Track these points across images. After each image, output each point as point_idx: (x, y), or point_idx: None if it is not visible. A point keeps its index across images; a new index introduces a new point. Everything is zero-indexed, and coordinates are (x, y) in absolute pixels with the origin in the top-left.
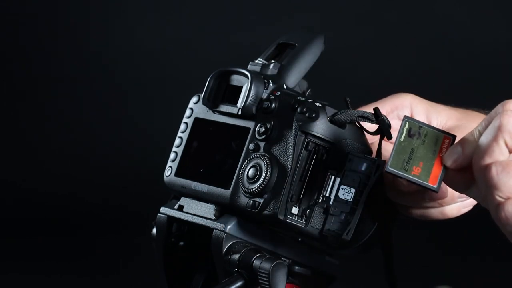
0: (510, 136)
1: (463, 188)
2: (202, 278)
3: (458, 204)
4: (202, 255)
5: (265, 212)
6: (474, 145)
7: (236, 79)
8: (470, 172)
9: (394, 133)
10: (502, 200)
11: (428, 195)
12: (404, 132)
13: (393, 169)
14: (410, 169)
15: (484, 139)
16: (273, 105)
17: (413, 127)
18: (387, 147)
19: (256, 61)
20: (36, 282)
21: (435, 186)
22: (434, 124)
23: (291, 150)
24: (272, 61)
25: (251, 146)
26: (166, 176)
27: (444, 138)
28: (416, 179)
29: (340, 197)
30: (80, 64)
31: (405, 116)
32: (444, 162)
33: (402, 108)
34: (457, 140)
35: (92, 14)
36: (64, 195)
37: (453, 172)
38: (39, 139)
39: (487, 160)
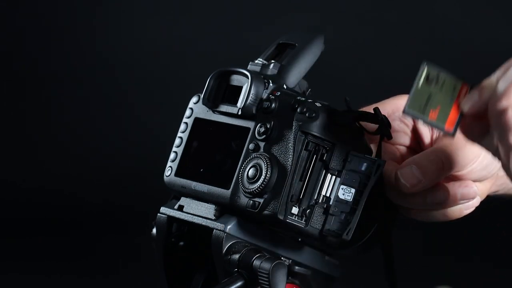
0: None
1: (478, 136)
2: (202, 278)
3: (460, 206)
4: (202, 255)
5: (265, 212)
6: (491, 91)
7: (236, 79)
8: (486, 119)
9: (395, 134)
10: None
11: (430, 197)
12: (423, 78)
13: (411, 111)
14: (427, 113)
15: (502, 84)
16: (273, 105)
17: (432, 73)
18: (388, 149)
19: (256, 61)
20: (36, 282)
21: (452, 131)
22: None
23: (291, 150)
24: (272, 61)
25: (251, 146)
26: (166, 176)
27: (462, 85)
28: (433, 122)
29: (340, 197)
30: (81, 64)
31: (425, 60)
32: (461, 107)
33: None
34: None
35: (94, 14)
36: (64, 195)
37: (470, 118)
38: (40, 139)
39: (504, 103)
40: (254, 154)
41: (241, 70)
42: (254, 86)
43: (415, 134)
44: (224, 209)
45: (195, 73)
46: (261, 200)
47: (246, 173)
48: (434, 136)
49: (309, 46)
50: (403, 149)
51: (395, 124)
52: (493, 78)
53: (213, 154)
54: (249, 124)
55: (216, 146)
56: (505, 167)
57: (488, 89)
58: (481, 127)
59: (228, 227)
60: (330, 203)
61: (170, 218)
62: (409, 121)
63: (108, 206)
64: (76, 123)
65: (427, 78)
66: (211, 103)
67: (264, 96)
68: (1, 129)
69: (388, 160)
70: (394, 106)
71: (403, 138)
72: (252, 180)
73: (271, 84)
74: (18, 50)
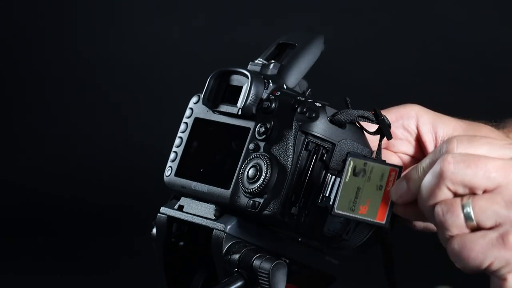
0: (451, 182)
1: (416, 219)
2: (202, 278)
3: None
4: (202, 255)
5: (265, 212)
6: (418, 183)
7: (236, 79)
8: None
9: (398, 142)
10: (449, 237)
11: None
12: (349, 172)
13: (339, 212)
14: (357, 209)
15: (427, 182)
16: (273, 105)
17: (358, 165)
18: (390, 157)
19: (256, 61)
20: (36, 282)
21: (383, 222)
22: (440, 135)
23: (291, 150)
24: (272, 61)
25: (251, 146)
26: (166, 176)
27: (390, 170)
28: (364, 217)
29: None
30: (80, 64)
31: (348, 153)
32: (390, 196)
33: (407, 118)
34: (404, 172)
35: (94, 14)
36: (64, 195)
37: (401, 206)
38: (40, 140)
39: (432, 201)
40: (254, 154)
41: (241, 70)
42: (254, 86)
43: (419, 143)
44: (224, 209)
45: (195, 73)
46: (261, 200)
47: (246, 173)
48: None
49: (309, 46)
50: (406, 158)
51: (399, 132)
52: (420, 168)
53: (213, 154)
54: (249, 124)
55: (216, 146)
56: (447, 251)
57: (416, 181)
58: (415, 211)
59: (228, 227)
60: (330, 203)
61: (170, 218)
62: (413, 130)
63: (108, 207)
64: (77, 124)
65: (354, 171)
66: (211, 103)
67: (264, 96)
68: (2, 129)
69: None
70: (398, 114)
71: (406, 146)
72: (252, 180)
73: (271, 84)
74: (22, 50)
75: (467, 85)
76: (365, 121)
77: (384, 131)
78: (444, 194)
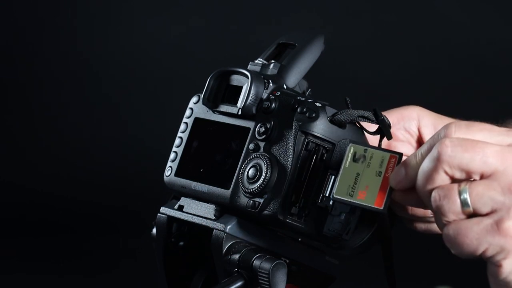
0: (449, 166)
1: (415, 205)
2: (202, 278)
3: None
4: (202, 255)
5: (265, 212)
6: (417, 169)
7: (236, 79)
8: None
9: (399, 144)
10: (445, 222)
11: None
12: (349, 158)
13: (338, 197)
14: (355, 194)
15: (425, 167)
16: (273, 105)
17: (358, 151)
18: None
19: (256, 61)
20: (36, 282)
21: (381, 208)
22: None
23: (291, 150)
24: (272, 61)
25: (251, 146)
26: (166, 176)
27: (390, 157)
28: (362, 203)
29: None
30: (79, 64)
31: (350, 141)
32: (389, 182)
33: (409, 119)
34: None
35: (93, 14)
36: (64, 195)
37: (400, 192)
38: (40, 141)
39: (429, 186)
40: (254, 154)
41: (241, 70)
42: (254, 86)
43: (420, 145)
44: (224, 209)
45: (195, 73)
46: (261, 200)
47: (246, 173)
48: None
49: (309, 46)
50: None
51: (400, 133)
52: (418, 153)
53: (213, 154)
54: (249, 124)
55: (216, 146)
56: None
57: (414, 167)
58: (414, 198)
59: (228, 227)
60: (330, 203)
61: (170, 218)
62: (414, 131)
63: (109, 207)
64: (76, 125)
65: (354, 157)
66: (211, 103)
67: (264, 96)
68: (3, 129)
69: None
70: (399, 116)
71: (407, 148)
72: (252, 180)
73: (271, 84)
74: (17, 51)
75: (467, 85)
76: (365, 121)
77: (384, 131)
78: (441, 178)
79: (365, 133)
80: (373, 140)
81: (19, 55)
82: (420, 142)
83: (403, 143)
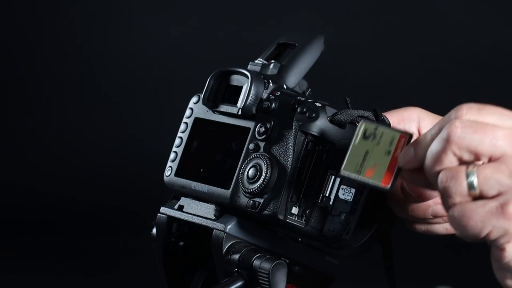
0: (458, 147)
1: (422, 186)
2: (202, 278)
3: None
4: (202, 255)
5: (265, 212)
6: (426, 149)
7: (236, 79)
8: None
9: None
10: (451, 204)
11: (432, 210)
12: (359, 135)
13: (346, 172)
14: (363, 172)
15: (433, 147)
16: (273, 105)
17: (369, 129)
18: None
19: (256, 61)
20: (36, 282)
21: (388, 186)
22: None
23: (291, 150)
24: (272, 61)
25: (251, 146)
26: (166, 176)
27: (400, 136)
28: (369, 180)
29: (340, 197)
30: (79, 64)
31: (363, 118)
32: (398, 162)
33: (409, 121)
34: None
35: (93, 14)
36: (64, 196)
37: (408, 171)
38: (40, 141)
39: (437, 167)
40: (254, 154)
41: (241, 70)
42: (254, 86)
43: None
44: (224, 209)
45: (195, 73)
46: (261, 200)
47: (246, 173)
48: None
49: (309, 46)
50: None
51: None
52: (428, 134)
53: (213, 154)
54: (249, 124)
55: (216, 146)
56: (448, 219)
57: (423, 147)
58: (422, 178)
59: (228, 227)
60: (330, 203)
61: (170, 218)
62: (414, 133)
63: (109, 207)
64: (76, 125)
65: (364, 134)
66: (211, 103)
67: (264, 96)
68: (4, 130)
69: None
70: (399, 117)
71: None
72: (252, 180)
73: (271, 84)
74: (17, 51)
75: (467, 85)
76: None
77: None
78: (450, 159)
79: None
80: None
81: (19, 55)
82: None
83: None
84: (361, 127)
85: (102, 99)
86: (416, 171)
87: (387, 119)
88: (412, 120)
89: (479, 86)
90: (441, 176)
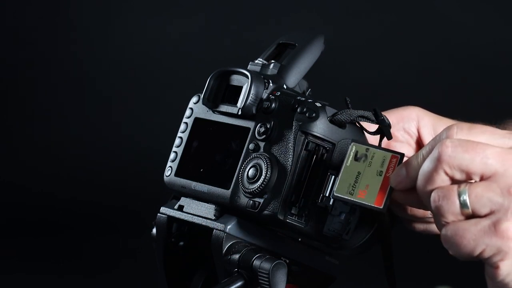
0: (449, 166)
1: (415, 206)
2: (202, 278)
3: None
4: (202, 255)
5: (265, 212)
6: (418, 169)
7: (236, 79)
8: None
9: (399, 145)
10: (443, 223)
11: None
12: (351, 156)
13: (338, 195)
14: (356, 193)
15: (425, 167)
16: (273, 105)
17: (360, 150)
18: None
19: (256, 61)
20: (36, 281)
21: (381, 207)
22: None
23: (291, 150)
24: (272, 61)
25: (251, 146)
26: (166, 176)
27: (391, 157)
28: (362, 201)
29: None
30: (78, 64)
31: (352, 140)
32: (389, 182)
33: (408, 120)
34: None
35: (92, 15)
36: (64, 196)
37: (400, 192)
38: (40, 141)
39: (429, 187)
40: (254, 154)
41: (241, 70)
42: (254, 86)
43: (420, 145)
44: (224, 209)
45: (195, 73)
46: (261, 200)
47: (246, 173)
48: None
49: (309, 46)
50: None
51: (399, 134)
52: (420, 154)
53: (213, 154)
54: (249, 124)
55: (216, 146)
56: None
57: (415, 167)
58: (414, 198)
59: (228, 227)
60: (330, 203)
61: (170, 218)
62: (414, 132)
63: (109, 207)
64: (75, 125)
65: (355, 156)
66: (211, 103)
67: (264, 96)
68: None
69: None
70: (399, 116)
71: (407, 149)
72: (252, 180)
73: (271, 84)
74: (16, 51)
75: (467, 85)
76: (365, 121)
77: (384, 131)
78: (441, 179)
79: (365, 133)
80: (373, 140)
81: (19, 55)
82: (419, 143)
83: (402, 144)
84: (352, 149)
85: (102, 99)
86: (408, 191)
87: (387, 119)
88: (411, 119)
89: (479, 86)
90: (433, 196)
